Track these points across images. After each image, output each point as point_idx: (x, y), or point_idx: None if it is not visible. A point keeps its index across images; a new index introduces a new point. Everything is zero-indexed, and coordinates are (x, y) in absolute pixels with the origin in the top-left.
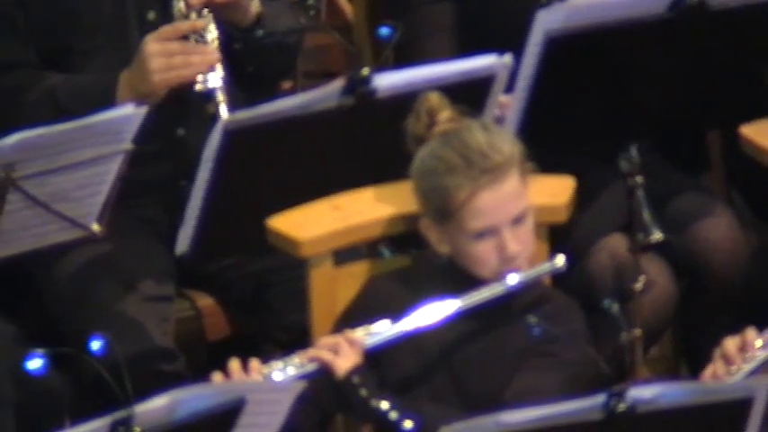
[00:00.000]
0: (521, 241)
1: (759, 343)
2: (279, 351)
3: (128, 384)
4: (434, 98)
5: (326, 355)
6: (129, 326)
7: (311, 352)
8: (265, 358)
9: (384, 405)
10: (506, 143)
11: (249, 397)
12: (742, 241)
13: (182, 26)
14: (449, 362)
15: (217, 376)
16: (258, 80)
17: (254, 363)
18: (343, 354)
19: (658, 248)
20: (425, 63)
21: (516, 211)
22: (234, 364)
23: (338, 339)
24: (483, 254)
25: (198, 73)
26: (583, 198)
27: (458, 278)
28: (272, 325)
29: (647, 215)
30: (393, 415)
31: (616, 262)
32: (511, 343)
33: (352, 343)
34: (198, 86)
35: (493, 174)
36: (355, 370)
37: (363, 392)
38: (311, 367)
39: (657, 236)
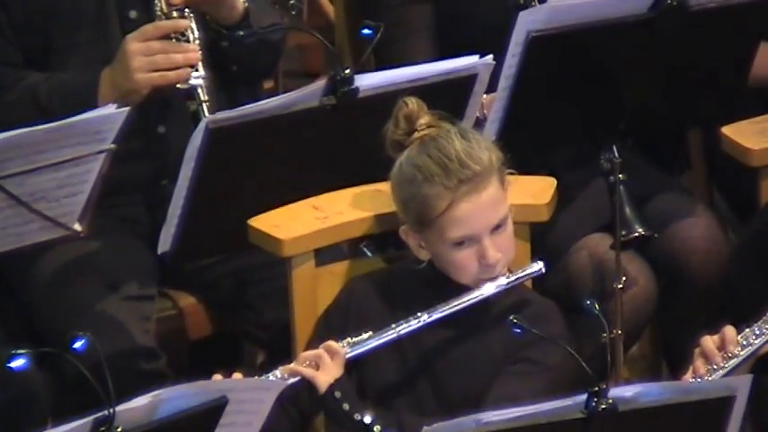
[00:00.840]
0: (501, 248)
1: (740, 340)
2: (259, 349)
3: (109, 383)
4: (413, 103)
5: (308, 372)
6: (111, 325)
7: (293, 367)
8: (248, 358)
9: (367, 419)
10: (484, 151)
11: (231, 396)
12: (721, 240)
13: (163, 25)
14: (428, 368)
15: None
16: (241, 79)
17: (237, 375)
18: (324, 367)
19: (640, 244)
20: (403, 64)
21: (496, 220)
22: (217, 378)
23: (320, 352)
24: (463, 261)
25: (181, 77)
26: (562, 197)
27: (437, 283)
28: (253, 324)
29: (628, 211)
30: (376, 429)
31: (596, 261)
32: (490, 348)
33: (333, 355)
34: (180, 84)
35: (472, 183)
36: (337, 384)
37: (346, 406)
38: (293, 381)
39: (639, 231)
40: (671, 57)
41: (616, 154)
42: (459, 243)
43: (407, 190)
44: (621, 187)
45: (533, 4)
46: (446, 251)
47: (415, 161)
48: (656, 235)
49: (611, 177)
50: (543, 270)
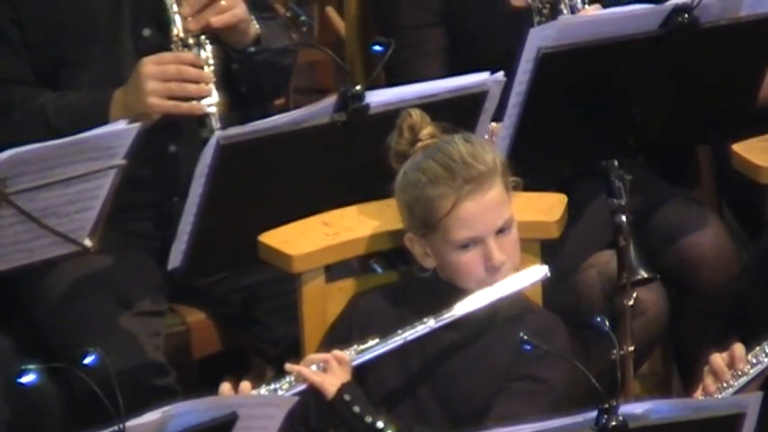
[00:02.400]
0: (505, 251)
1: (750, 359)
2: (268, 365)
3: (120, 399)
4: (416, 115)
5: (315, 378)
6: (121, 340)
7: (301, 370)
8: (256, 374)
9: (380, 424)
10: (488, 153)
11: (241, 412)
12: (731, 250)
13: (184, 57)
14: (431, 376)
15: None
16: (252, 100)
17: (245, 384)
18: (332, 372)
19: (646, 283)
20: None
21: (500, 222)
22: (225, 386)
23: (327, 356)
24: (468, 264)
25: (194, 110)
26: (572, 212)
27: (442, 291)
28: (262, 339)
29: (633, 255)
30: None
31: (605, 279)
32: (494, 357)
33: (340, 361)
34: None
35: (476, 183)
36: (345, 388)
37: (356, 409)
38: (301, 387)
39: (642, 275)
40: (681, 74)
41: (623, 182)
42: (465, 246)
43: (412, 194)
44: (626, 228)
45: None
46: (451, 254)
47: (419, 165)
48: (658, 277)
49: (617, 218)
50: (548, 274)
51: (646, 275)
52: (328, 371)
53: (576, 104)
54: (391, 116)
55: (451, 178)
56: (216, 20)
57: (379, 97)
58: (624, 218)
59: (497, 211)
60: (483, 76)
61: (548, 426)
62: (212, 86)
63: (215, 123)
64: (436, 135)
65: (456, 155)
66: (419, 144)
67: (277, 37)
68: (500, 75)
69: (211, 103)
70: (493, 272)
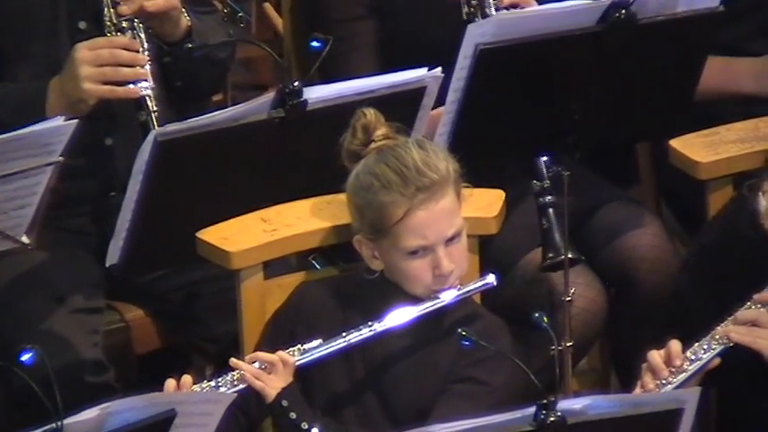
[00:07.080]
0: (454, 259)
1: (689, 355)
2: (208, 362)
3: (57, 397)
4: (370, 114)
5: (257, 384)
6: (58, 338)
7: (245, 370)
8: (196, 371)
9: (315, 430)
10: (442, 161)
11: (180, 409)
12: (670, 251)
13: (117, 41)
14: (376, 379)
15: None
16: (188, 95)
17: (187, 379)
18: (275, 374)
19: (569, 266)
20: (346, 79)
21: (451, 230)
22: (170, 383)
23: (275, 358)
24: (416, 271)
25: (130, 94)
26: (510, 210)
27: (389, 293)
28: (202, 336)
29: (557, 234)
30: None
31: (532, 279)
32: (438, 362)
33: (285, 363)
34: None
35: (428, 192)
36: (284, 392)
37: (293, 415)
38: (242, 386)
39: (566, 255)
40: (619, 70)
41: (544, 169)
42: (414, 252)
43: (364, 197)
44: (551, 210)
45: (477, 18)
46: (400, 260)
47: (372, 169)
48: (582, 258)
49: (540, 199)
50: (495, 283)
51: (571, 256)
52: (272, 372)
53: (515, 100)
54: (330, 113)
55: (404, 186)
56: (150, 4)
57: (317, 93)
58: (548, 198)
59: (448, 221)
60: (421, 72)
61: (487, 422)
62: (148, 69)
63: (152, 106)
64: (390, 136)
65: (409, 161)
66: (372, 145)
67: (213, 31)
68: (438, 71)
69: (147, 86)
70: (441, 279)
